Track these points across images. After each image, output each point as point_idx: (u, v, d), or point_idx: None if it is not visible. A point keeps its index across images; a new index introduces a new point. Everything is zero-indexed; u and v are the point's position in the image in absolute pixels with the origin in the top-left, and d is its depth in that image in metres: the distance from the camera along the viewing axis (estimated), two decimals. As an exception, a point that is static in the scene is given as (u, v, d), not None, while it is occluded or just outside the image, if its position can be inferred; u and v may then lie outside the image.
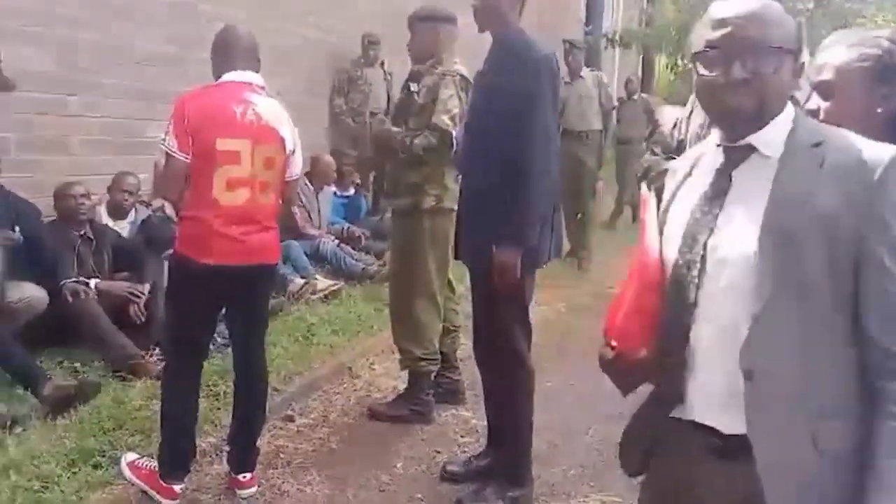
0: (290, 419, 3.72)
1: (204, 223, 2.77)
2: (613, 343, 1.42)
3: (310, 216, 5.97)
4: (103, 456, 3.07)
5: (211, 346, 3.24)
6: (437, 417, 3.82)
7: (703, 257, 1.36)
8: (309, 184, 5.97)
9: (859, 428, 1.28)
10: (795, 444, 1.29)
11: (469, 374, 3.96)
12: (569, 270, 6.82)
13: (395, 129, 3.71)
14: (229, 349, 3.57)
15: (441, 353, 3.85)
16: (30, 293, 3.73)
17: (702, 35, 1.38)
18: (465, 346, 4.12)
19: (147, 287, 4.13)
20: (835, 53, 1.68)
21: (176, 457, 2.93)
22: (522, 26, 2.96)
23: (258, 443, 3.13)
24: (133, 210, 4.65)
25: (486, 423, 3.29)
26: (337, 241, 6.00)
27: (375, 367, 4.45)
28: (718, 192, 1.39)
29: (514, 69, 2.83)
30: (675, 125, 2.40)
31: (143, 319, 4.03)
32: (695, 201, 1.42)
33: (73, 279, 3.91)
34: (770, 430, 1.30)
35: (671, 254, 1.41)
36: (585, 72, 7.38)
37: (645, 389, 1.50)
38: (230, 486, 3.06)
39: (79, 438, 3.13)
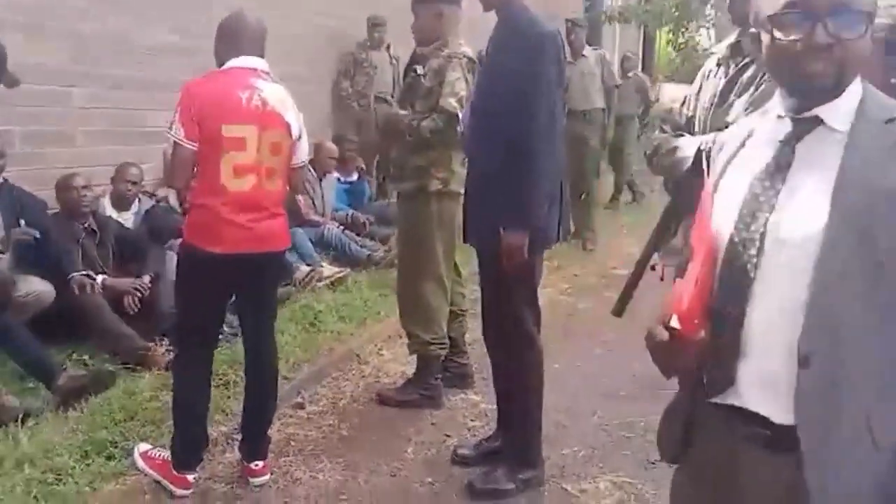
0: (300, 406, 3.73)
1: (212, 211, 2.76)
2: (673, 324, 1.32)
3: (314, 203, 5.95)
4: (115, 447, 3.08)
5: (220, 336, 3.24)
6: (447, 402, 3.83)
7: (763, 236, 1.27)
8: (312, 170, 5.95)
9: None
10: (849, 436, 1.23)
11: (477, 357, 3.97)
12: (573, 251, 6.81)
13: (402, 111, 3.69)
14: (238, 338, 3.58)
15: (449, 337, 3.85)
16: (37, 287, 3.74)
17: None
18: (472, 329, 4.12)
19: (147, 279, 4.12)
20: None
21: (188, 446, 2.94)
22: (526, 3, 2.93)
23: (269, 431, 3.14)
24: (137, 201, 4.65)
25: (495, 406, 3.29)
26: (342, 228, 5.99)
27: (383, 353, 4.46)
28: (780, 166, 1.30)
29: (519, 48, 2.80)
30: (683, 102, 2.37)
31: (136, 310, 4.01)
32: (752, 175, 1.32)
33: (83, 272, 3.91)
34: (822, 422, 1.23)
35: (724, 231, 1.32)
36: (588, 50, 7.33)
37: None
38: (243, 475, 3.07)
39: (91, 430, 3.14)
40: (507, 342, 3.03)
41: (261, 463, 3.06)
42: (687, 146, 2.16)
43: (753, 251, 1.28)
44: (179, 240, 3.96)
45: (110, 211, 4.50)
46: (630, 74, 9.60)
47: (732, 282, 1.30)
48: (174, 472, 2.92)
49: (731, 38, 2.27)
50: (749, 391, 1.31)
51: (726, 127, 2.12)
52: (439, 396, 3.81)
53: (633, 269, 2.45)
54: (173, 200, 4.79)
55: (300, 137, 2.95)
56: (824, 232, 1.21)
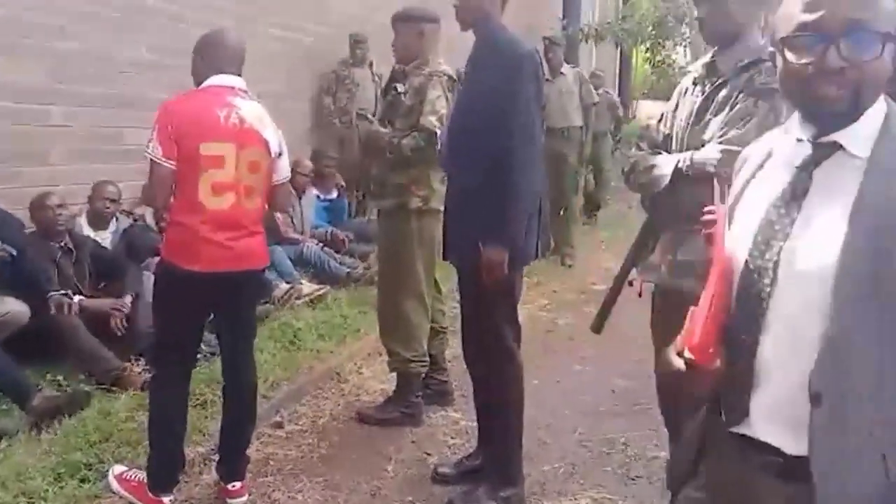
0: (279, 426, 3.69)
1: (190, 229, 2.74)
2: (687, 354, 1.29)
3: (292, 220, 5.93)
4: (90, 469, 3.03)
5: (198, 355, 3.21)
6: (427, 419, 3.81)
7: (777, 265, 1.23)
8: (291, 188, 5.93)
9: None
10: (864, 475, 1.18)
11: (457, 374, 3.96)
12: (552, 267, 6.83)
13: (382, 129, 3.70)
14: (216, 357, 3.55)
15: (429, 354, 3.84)
16: (11, 307, 3.68)
17: (790, 15, 1.23)
18: (452, 346, 4.11)
19: (129, 299, 4.08)
20: None
21: (164, 468, 2.90)
22: (504, 23, 2.96)
23: (248, 451, 3.11)
24: (114, 219, 4.60)
25: (475, 423, 3.28)
26: (321, 245, 5.97)
27: (363, 371, 4.43)
28: (796, 193, 1.25)
29: (497, 66, 2.83)
30: (660, 119, 2.39)
31: (123, 331, 3.98)
32: (768, 200, 1.28)
33: (61, 292, 3.86)
34: (836, 460, 1.18)
35: (740, 256, 1.28)
36: (566, 68, 7.40)
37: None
38: (220, 496, 3.02)
39: (65, 452, 3.09)
40: (487, 358, 3.03)
41: (238, 484, 3.02)
42: (664, 164, 2.19)
43: (767, 280, 1.24)
44: (156, 258, 3.97)
45: (87, 230, 4.45)
46: (600, 92, 9.71)
47: (746, 310, 1.27)
48: (150, 495, 2.87)
49: (707, 58, 2.31)
50: (761, 422, 1.28)
51: (702, 145, 2.15)
52: (419, 414, 3.80)
53: (611, 285, 2.49)
54: (150, 219, 4.75)
55: (280, 155, 2.94)
56: (839, 263, 1.16)
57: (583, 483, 3.27)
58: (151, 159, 2.73)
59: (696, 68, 2.36)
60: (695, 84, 2.29)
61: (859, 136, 1.22)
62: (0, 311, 3.62)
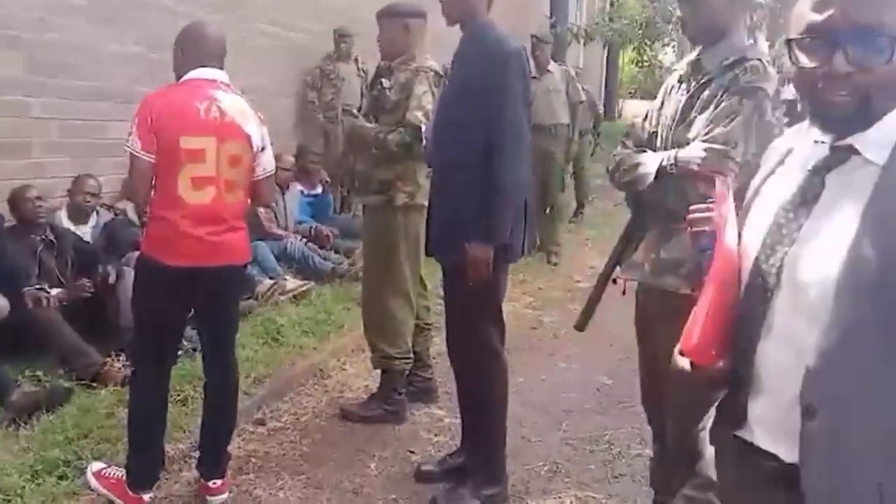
0: (261, 423, 3.66)
1: (170, 224, 2.71)
2: (682, 347, 1.29)
3: (275, 216, 5.89)
4: (69, 466, 2.99)
5: (179, 352, 3.18)
6: (411, 417, 3.79)
7: (780, 270, 1.20)
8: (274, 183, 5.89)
9: None
10: (856, 495, 1.15)
11: (441, 371, 3.94)
12: (538, 265, 6.82)
13: (367, 124, 3.67)
14: (197, 353, 3.52)
15: (413, 351, 3.82)
16: (-10, 301, 3.63)
17: (801, 14, 1.19)
18: (436, 343, 4.10)
19: (113, 275, 4.02)
20: None
21: (144, 465, 2.87)
22: (492, 19, 2.94)
23: (229, 448, 3.08)
24: (95, 213, 4.56)
25: (459, 421, 3.27)
26: (305, 241, 5.94)
27: (347, 368, 4.41)
28: (807, 197, 1.21)
29: (484, 63, 2.81)
30: (646, 117, 2.39)
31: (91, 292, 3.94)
32: (780, 202, 1.25)
33: (37, 286, 3.81)
34: (826, 475, 1.15)
35: (748, 259, 1.25)
36: (553, 66, 7.39)
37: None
38: (200, 494, 2.99)
39: (43, 449, 3.05)
40: (471, 356, 3.02)
41: (219, 481, 2.99)
42: (649, 162, 2.18)
43: (769, 285, 1.22)
44: (137, 253, 3.93)
45: (67, 223, 4.40)
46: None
47: (748, 313, 1.24)
48: (129, 492, 2.84)
49: (692, 56, 2.30)
50: (759, 428, 1.26)
51: (687, 143, 2.15)
52: (403, 411, 3.78)
53: (595, 283, 2.48)
54: (132, 213, 4.70)
55: (263, 149, 2.91)
56: (841, 275, 1.12)
57: (567, 481, 3.27)
58: (131, 153, 2.70)
59: (682, 66, 2.35)
60: (680, 82, 2.28)
61: (877, 142, 1.17)
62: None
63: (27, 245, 4.00)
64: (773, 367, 1.22)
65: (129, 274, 4.00)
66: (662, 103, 2.32)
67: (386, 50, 3.71)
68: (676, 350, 1.32)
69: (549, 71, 7.25)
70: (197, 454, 3.09)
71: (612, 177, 2.32)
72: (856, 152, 1.18)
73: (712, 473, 1.40)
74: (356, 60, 7.06)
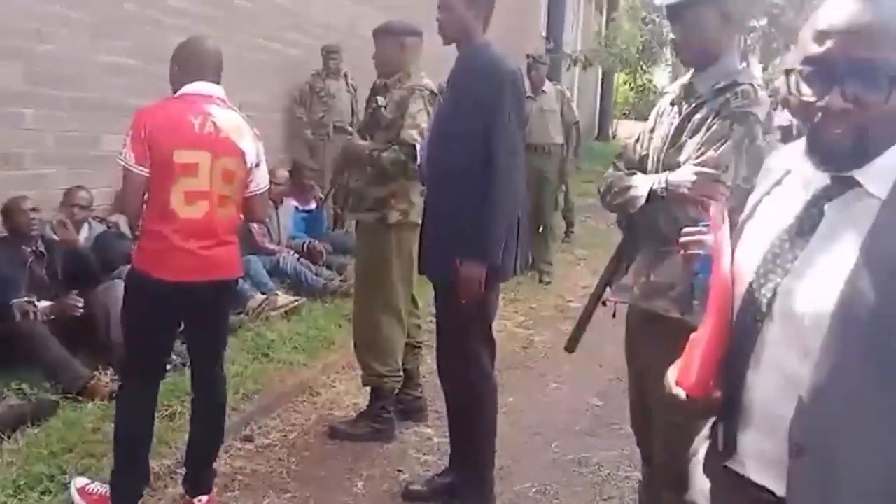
0: (249, 439, 3.63)
1: (162, 237, 2.71)
2: (682, 385, 1.25)
3: (268, 231, 5.88)
4: (52, 481, 2.96)
5: (169, 368, 3.16)
6: (399, 435, 3.77)
7: (772, 301, 1.17)
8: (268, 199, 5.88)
9: None
10: None
11: (431, 390, 3.93)
12: (530, 284, 6.82)
13: (362, 142, 3.68)
14: (185, 368, 3.50)
15: (404, 369, 3.80)
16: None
17: (803, 42, 1.16)
18: (426, 362, 4.08)
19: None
20: None
21: (128, 481, 2.83)
22: (488, 39, 2.96)
23: (215, 464, 3.05)
24: (87, 226, 4.54)
25: (448, 440, 3.25)
26: (297, 256, 5.92)
27: (336, 385, 4.38)
28: (804, 228, 1.18)
29: (479, 82, 2.83)
30: (637, 139, 2.39)
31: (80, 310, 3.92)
32: (777, 229, 1.21)
33: (25, 299, 3.79)
34: None
35: (741, 284, 1.22)
36: (548, 86, 7.43)
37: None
38: (185, 510, 2.97)
39: (27, 463, 3.01)
40: (461, 376, 3.01)
41: (205, 498, 2.96)
42: (640, 184, 2.18)
43: (760, 315, 1.18)
44: (129, 267, 3.92)
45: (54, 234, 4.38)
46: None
47: (739, 344, 1.21)
48: None
49: (685, 79, 2.31)
50: (751, 460, 1.23)
51: (678, 166, 2.15)
52: (392, 430, 3.75)
53: (586, 304, 2.47)
54: (124, 226, 4.69)
55: (258, 165, 2.91)
56: (836, 313, 1.08)
57: (555, 503, 3.25)
58: (124, 166, 2.70)
59: (674, 89, 2.36)
60: (672, 105, 2.29)
61: (879, 175, 1.12)
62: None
63: (17, 256, 3.98)
64: (762, 399, 1.19)
65: (120, 287, 3.99)
66: (654, 126, 2.33)
67: (382, 68, 3.73)
68: (671, 379, 1.29)
69: (544, 91, 7.28)
70: (182, 470, 3.06)
71: (603, 199, 2.33)
72: (857, 184, 1.15)
73: (700, 502, 1.38)
74: (346, 76, 7.06)
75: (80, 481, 2.93)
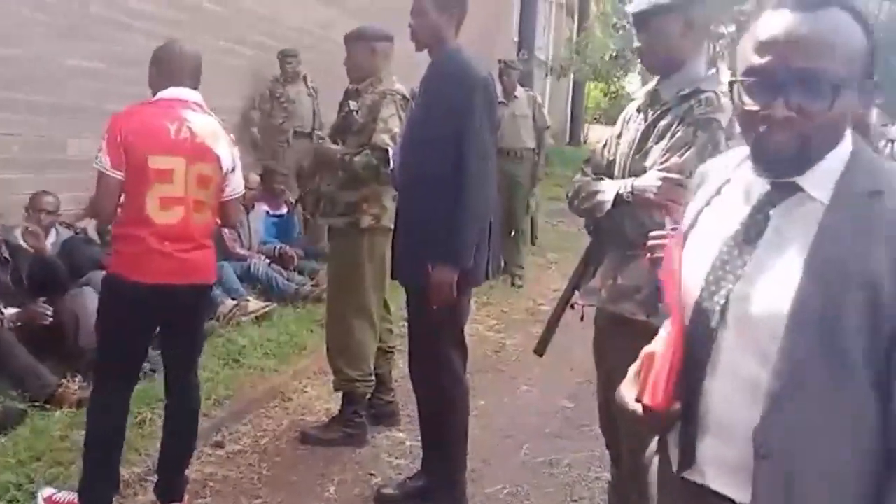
0: (220, 445, 3.61)
1: (139, 240, 2.71)
2: (645, 401, 1.24)
3: (239, 236, 5.85)
4: (20, 490, 2.92)
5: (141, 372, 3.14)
6: (371, 440, 3.77)
7: (725, 308, 1.18)
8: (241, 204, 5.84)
9: None
10: None
11: (403, 394, 3.93)
12: (502, 287, 6.86)
13: (334, 146, 3.68)
14: (155, 374, 3.47)
15: (375, 374, 3.80)
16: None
17: (745, 54, 1.18)
18: (399, 366, 4.09)
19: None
20: None
21: (100, 486, 2.80)
22: (460, 45, 2.98)
23: (187, 471, 3.03)
24: (53, 231, 4.48)
25: (420, 444, 3.26)
26: (269, 262, 5.89)
27: (308, 390, 4.37)
28: (751, 235, 1.19)
29: (451, 87, 2.85)
30: (604, 145, 2.43)
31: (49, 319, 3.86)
32: (722, 236, 1.22)
33: (-11, 306, 3.74)
34: None
35: (692, 294, 1.22)
36: (520, 91, 7.48)
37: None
38: (156, 518, 2.95)
39: (-7, 472, 2.98)
40: (433, 380, 3.02)
41: (176, 505, 2.95)
42: (606, 189, 2.22)
43: (714, 323, 1.19)
44: (98, 272, 3.87)
45: (23, 241, 4.32)
46: None
47: (694, 352, 1.21)
48: None
49: (650, 86, 2.35)
50: (710, 469, 1.22)
51: (644, 172, 2.19)
52: (364, 434, 3.75)
53: (554, 308, 2.50)
54: (92, 231, 4.64)
55: (233, 170, 2.92)
56: (789, 315, 1.10)
57: (527, 504, 3.28)
58: (100, 170, 2.71)
59: (640, 96, 2.40)
60: (638, 111, 2.33)
61: (820, 179, 1.16)
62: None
63: (-20, 263, 3.92)
64: (720, 406, 1.19)
65: (89, 293, 3.96)
66: (621, 132, 2.36)
67: (353, 73, 3.74)
68: (625, 395, 1.29)
69: (515, 96, 7.33)
70: (153, 478, 3.04)
71: (571, 203, 2.36)
72: (800, 189, 1.18)
73: None
74: (304, 79, 7.00)
75: (47, 491, 2.90)
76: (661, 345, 1.26)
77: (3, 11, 4.42)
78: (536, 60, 13.02)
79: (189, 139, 2.74)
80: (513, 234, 7.23)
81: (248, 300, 5.21)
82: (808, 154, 1.16)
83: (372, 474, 3.47)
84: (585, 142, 18.93)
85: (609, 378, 2.32)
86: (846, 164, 1.17)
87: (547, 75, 13.68)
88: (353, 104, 3.67)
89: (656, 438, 1.37)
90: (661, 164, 2.13)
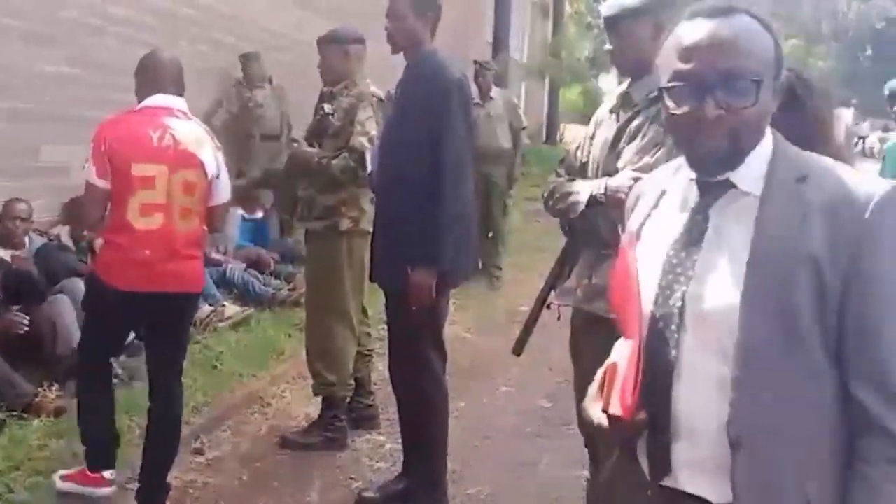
0: (200, 452, 3.60)
1: (118, 248, 2.80)
2: (612, 411, 1.26)
3: (215, 241, 5.81)
4: (0, 500, 2.90)
5: (115, 381, 3.18)
6: (351, 444, 3.77)
7: (682, 310, 1.22)
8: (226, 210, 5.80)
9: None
10: None
11: (382, 397, 3.94)
12: (480, 289, 6.87)
13: (310, 149, 3.68)
14: (133, 382, 3.47)
15: (355, 377, 3.81)
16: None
17: (668, 63, 1.25)
18: (378, 369, 4.09)
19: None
20: None
21: (101, 447, 2.96)
22: (436, 47, 3.00)
23: (167, 478, 3.02)
24: (27, 238, 4.43)
25: (400, 447, 3.27)
26: (244, 266, 5.86)
27: (287, 395, 4.36)
28: (694, 236, 1.25)
29: (428, 90, 2.88)
30: (578, 146, 2.46)
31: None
32: (667, 244, 1.28)
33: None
34: (760, 502, 1.18)
35: (645, 304, 1.26)
36: (496, 92, 7.50)
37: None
38: (137, 526, 2.94)
39: (-30, 483, 2.95)
40: (413, 382, 3.04)
41: (158, 512, 2.94)
42: (580, 190, 2.25)
43: (674, 327, 1.23)
44: (73, 279, 3.85)
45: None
46: None
47: (657, 360, 1.24)
48: (89, 474, 2.92)
49: (622, 88, 2.39)
50: (684, 472, 1.25)
51: (617, 172, 2.22)
52: (344, 438, 3.76)
53: (531, 308, 2.53)
54: (66, 238, 4.60)
55: (218, 176, 2.95)
56: (742, 304, 1.16)
57: (507, 504, 3.30)
58: (87, 180, 2.79)
59: (612, 98, 2.44)
60: (611, 113, 2.37)
61: (749, 174, 1.23)
62: None
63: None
64: (688, 408, 1.23)
65: (65, 302, 3.93)
66: (594, 133, 2.39)
67: (327, 76, 3.75)
68: (592, 406, 1.31)
69: (491, 97, 7.36)
70: (133, 486, 3.03)
71: (546, 204, 2.39)
72: (732, 186, 1.24)
73: None
74: (269, 80, 6.91)
75: (62, 472, 3.02)
76: (622, 355, 1.29)
77: (-26, 18, 4.37)
78: (512, 61, 13.07)
79: (172, 146, 2.79)
80: (490, 235, 7.25)
81: (224, 305, 5.18)
82: (740, 148, 1.22)
83: (352, 478, 3.47)
84: (562, 141, 19.02)
85: (586, 377, 2.33)
86: (771, 158, 1.24)
87: (524, 78, 13.76)
88: (328, 107, 3.68)
89: (614, 457, 1.40)
90: (634, 164, 2.17)
